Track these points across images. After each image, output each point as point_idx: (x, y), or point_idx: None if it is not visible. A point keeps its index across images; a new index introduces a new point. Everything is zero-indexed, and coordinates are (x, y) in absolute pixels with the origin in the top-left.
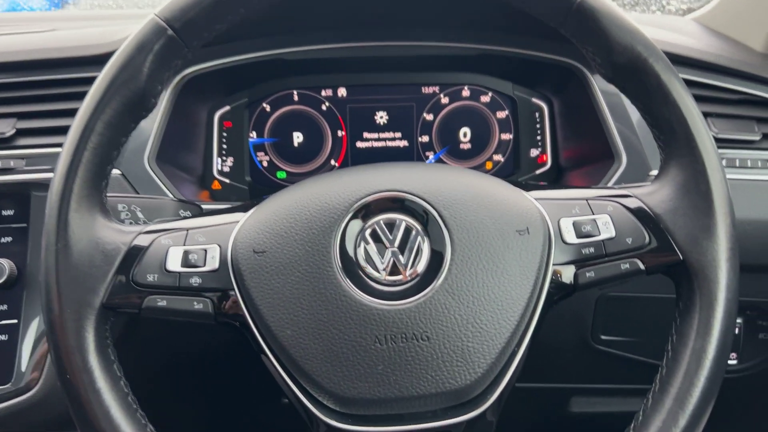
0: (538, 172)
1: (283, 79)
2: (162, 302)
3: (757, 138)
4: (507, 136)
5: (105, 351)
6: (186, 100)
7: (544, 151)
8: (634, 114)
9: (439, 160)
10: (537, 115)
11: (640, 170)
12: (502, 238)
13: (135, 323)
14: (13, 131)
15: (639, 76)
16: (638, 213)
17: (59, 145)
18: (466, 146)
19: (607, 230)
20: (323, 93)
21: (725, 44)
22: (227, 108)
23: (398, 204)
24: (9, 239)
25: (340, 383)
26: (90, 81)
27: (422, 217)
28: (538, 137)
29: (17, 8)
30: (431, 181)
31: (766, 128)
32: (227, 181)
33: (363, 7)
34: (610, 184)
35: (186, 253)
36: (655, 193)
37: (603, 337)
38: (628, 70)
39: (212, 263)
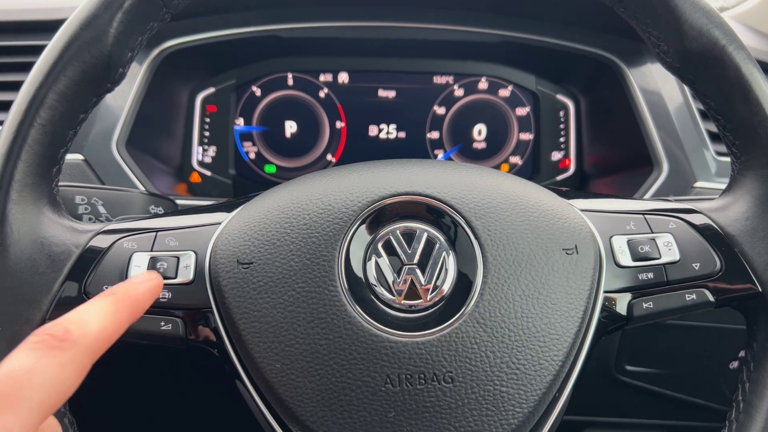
0: (559, 177)
1: (276, 60)
2: None
3: None
4: (527, 136)
5: None
6: (164, 78)
7: (567, 155)
8: (677, 117)
9: (449, 160)
10: (561, 113)
11: (682, 181)
12: (546, 258)
13: None
14: None
15: (714, 68)
16: (706, 233)
17: None
18: (481, 145)
19: (669, 253)
20: (321, 78)
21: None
22: (212, 90)
23: (418, 210)
24: None
25: None
26: (40, 49)
27: (448, 227)
28: (562, 139)
29: None
30: (459, 183)
31: None
32: (208, 173)
33: None
34: (647, 196)
35: (153, 261)
36: (728, 210)
37: (628, 368)
38: (701, 59)
39: (185, 274)
